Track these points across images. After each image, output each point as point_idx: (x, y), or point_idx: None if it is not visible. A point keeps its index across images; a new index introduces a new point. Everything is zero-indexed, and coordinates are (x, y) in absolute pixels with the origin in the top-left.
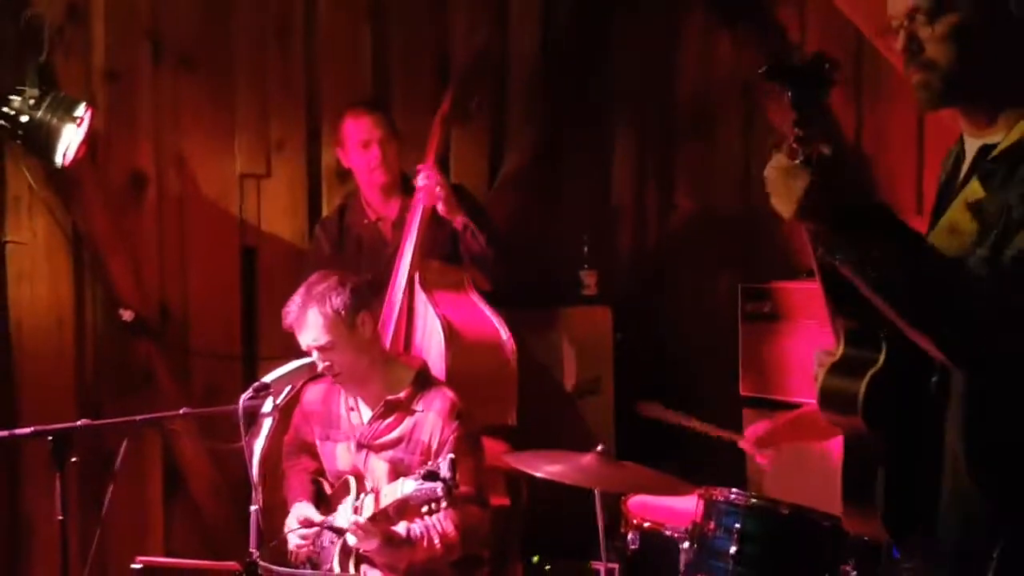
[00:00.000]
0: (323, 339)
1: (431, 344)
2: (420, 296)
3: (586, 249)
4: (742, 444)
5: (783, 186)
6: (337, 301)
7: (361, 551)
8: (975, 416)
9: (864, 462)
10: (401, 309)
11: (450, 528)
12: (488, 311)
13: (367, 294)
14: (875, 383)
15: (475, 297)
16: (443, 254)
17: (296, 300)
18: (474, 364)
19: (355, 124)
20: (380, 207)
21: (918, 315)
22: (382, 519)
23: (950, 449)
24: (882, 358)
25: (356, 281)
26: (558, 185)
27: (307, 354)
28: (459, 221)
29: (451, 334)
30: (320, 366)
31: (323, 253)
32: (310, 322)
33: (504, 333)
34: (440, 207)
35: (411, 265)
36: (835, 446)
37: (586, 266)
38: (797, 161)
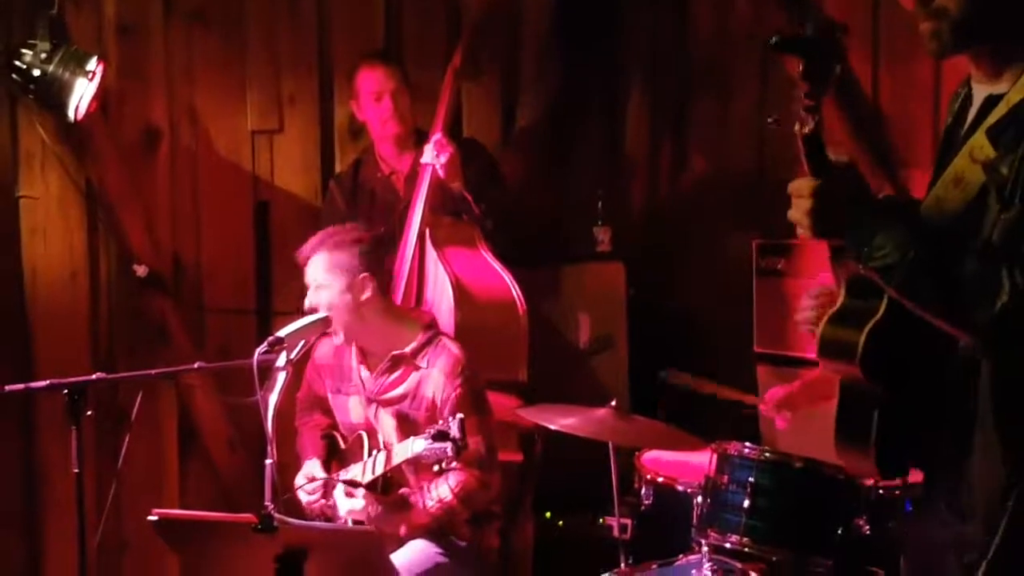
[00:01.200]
0: (318, 281)
1: (441, 300)
2: (430, 252)
3: (600, 204)
4: (762, 407)
5: (796, 207)
6: (341, 255)
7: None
8: (1008, 381)
9: (859, 402)
10: (412, 265)
11: (446, 492)
12: (499, 267)
13: (378, 255)
14: (875, 334)
15: (486, 253)
16: (454, 210)
17: (312, 242)
18: (484, 320)
19: (368, 76)
20: (393, 160)
21: (950, 318)
22: (395, 478)
23: (983, 403)
24: (883, 308)
25: (369, 242)
26: (572, 140)
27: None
28: (456, 188)
29: (460, 290)
30: (308, 303)
31: (337, 208)
32: (315, 261)
33: (515, 290)
34: (440, 171)
35: (421, 221)
36: None
37: (600, 222)
38: (802, 145)
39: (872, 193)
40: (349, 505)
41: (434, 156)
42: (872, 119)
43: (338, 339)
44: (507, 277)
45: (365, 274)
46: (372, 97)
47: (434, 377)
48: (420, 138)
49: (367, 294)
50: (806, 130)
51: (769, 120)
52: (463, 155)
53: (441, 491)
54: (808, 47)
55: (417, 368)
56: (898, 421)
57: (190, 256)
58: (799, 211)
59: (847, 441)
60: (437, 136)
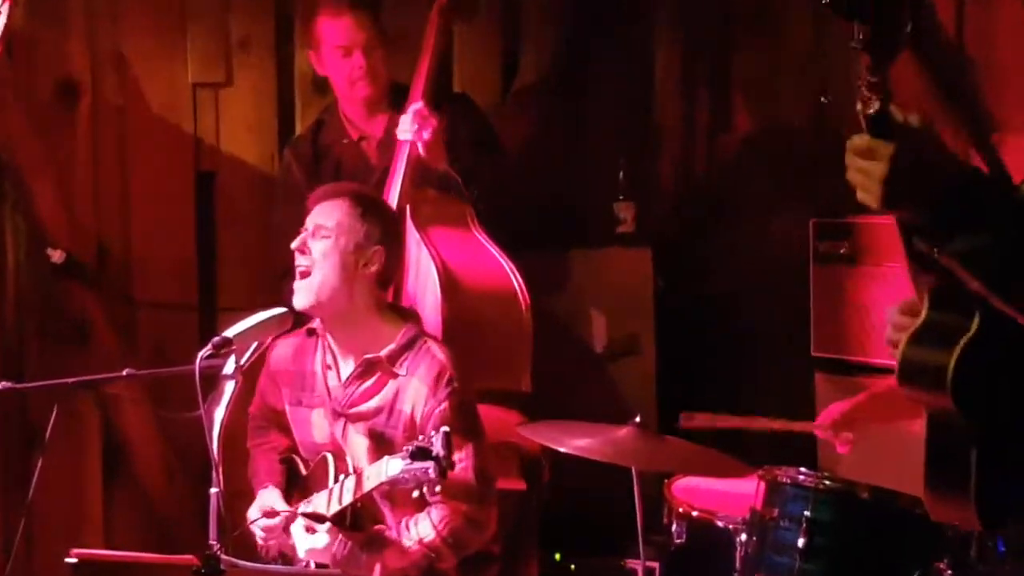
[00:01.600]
0: (328, 222)
1: (425, 292)
2: (412, 233)
3: (621, 176)
4: (817, 431)
5: (861, 172)
6: (367, 213)
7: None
8: None
9: (952, 443)
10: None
11: (427, 531)
12: (496, 251)
13: (399, 242)
14: (968, 355)
15: (480, 235)
16: (441, 183)
17: (343, 184)
18: (478, 317)
19: (333, 25)
20: (363, 124)
21: None
22: (368, 506)
23: None
24: (975, 324)
25: (397, 221)
26: (587, 97)
27: (277, 303)
28: (440, 168)
29: (449, 280)
30: (297, 243)
31: (294, 181)
32: (332, 205)
33: (516, 279)
34: (421, 150)
35: (400, 195)
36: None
37: (621, 197)
38: (866, 128)
39: (957, 161)
40: (309, 543)
41: (414, 131)
42: (958, 72)
43: (304, 301)
44: (506, 263)
45: (379, 247)
46: (338, 52)
47: (414, 388)
48: (398, 95)
49: (371, 268)
50: (870, 111)
51: (822, 99)
52: (450, 116)
53: (422, 528)
54: (873, 7)
55: (394, 376)
56: (1004, 463)
57: (117, 238)
58: (868, 177)
59: (940, 488)
60: (417, 106)
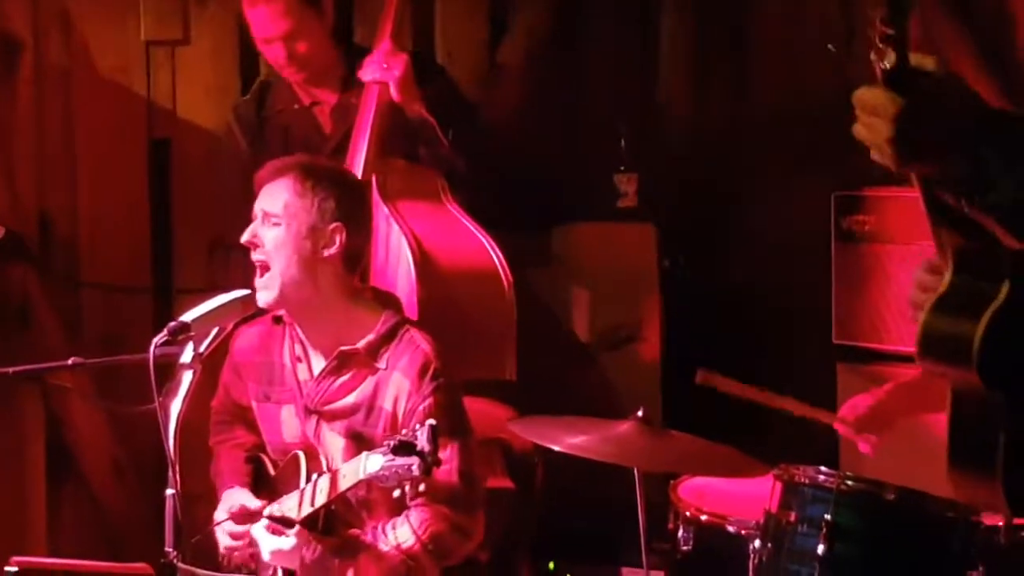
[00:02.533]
0: (275, 207)
1: (396, 273)
2: (380, 208)
3: (623, 144)
4: (838, 426)
5: (869, 128)
6: (317, 190)
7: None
8: None
9: (978, 419)
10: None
11: (406, 535)
12: (473, 227)
13: (358, 211)
14: (997, 325)
15: (454, 208)
16: (410, 151)
17: (286, 159)
18: (456, 299)
19: (250, 15)
20: (315, 88)
21: None
22: (343, 510)
23: None
24: (1005, 291)
25: (358, 185)
26: (585, 58)
27: (240, 284)
28: (416, 111)
29: (423, 259)
30: (247, 236)
31: (237, 150)
32: (277, 186)
33: (496, 256)
34: (394, 90)
35: (365, 165)
36: None
37: (623, 168)
38: (882, 82)
39: (983, 105)
40: (275, 544)
41: (383, 70)
42: (997, 29)
43: (267, 298)
44: (484, 239)
45: (338, 224)
46: (259, 42)
47: (395, 382)
48: (355, 59)
49: (332, 250)
50: (886, 64)
51: (829, 47)
52: (419, 77)
53: (401, 534)
54: None
55: (374, 370)
56: None
57: (62, 213)
58: (876, 135)
59: (964, 466)
60: (383, 46)
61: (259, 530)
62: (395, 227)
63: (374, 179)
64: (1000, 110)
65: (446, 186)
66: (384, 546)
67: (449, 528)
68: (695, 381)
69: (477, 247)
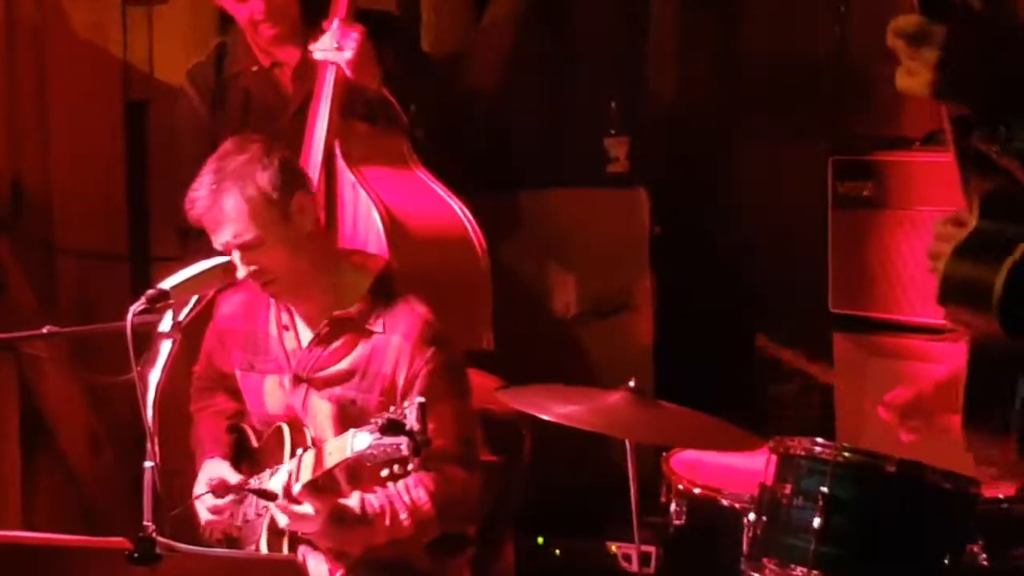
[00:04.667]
0: (248, 234)
1: (366, 241)
2: (344, 174)
3: (613, 106)
4: (881, 411)
5: (909, 56)
6: (264, 178)
7: (298, 533)
8: None
9: (997, 368)
10: (317, 193)
11: (422, 497)
12: (442, 191)
13: (296, 164)
14: (1019, 270)
15: (422, 172)
16: (370, 113)
17: (205, 182)
18: (429, 267)
19: None
20: (275, 49)
21: None
22: (326, 486)
23: None
24: None
25: (285, 149)
26: (572, 18)
27: (223, 252)
28: (374, 88)
29: (392, 225)
30: (243, 271)
31: (196, 116)
32: (228, 211)
33: (468, 221)
34: (347, 69)
35: (328, 130)
36: None
37: (613, 131)
38: (919, 8)
39: (1020, 46)
40: (294, 513)
41: (334, 49)
42: None
43: (255, 279)
44: (455, 203)
45: (298, 194)
46: None
47: (395, 346)
48: (316, 16)
49: (310, 219)
50: None
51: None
52: (374, 35)
53: (416, 495)
54: None
55: (368, 335)
56: None
57: (35, 178)
58: (920, 61)
59: (979, 422)
60: (336, 23)
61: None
62: (362, 193)
63: (337, 145)
64: None
65: (412, 150)
66: (402, 510)
67: (460, 490)
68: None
69: (448, 212)
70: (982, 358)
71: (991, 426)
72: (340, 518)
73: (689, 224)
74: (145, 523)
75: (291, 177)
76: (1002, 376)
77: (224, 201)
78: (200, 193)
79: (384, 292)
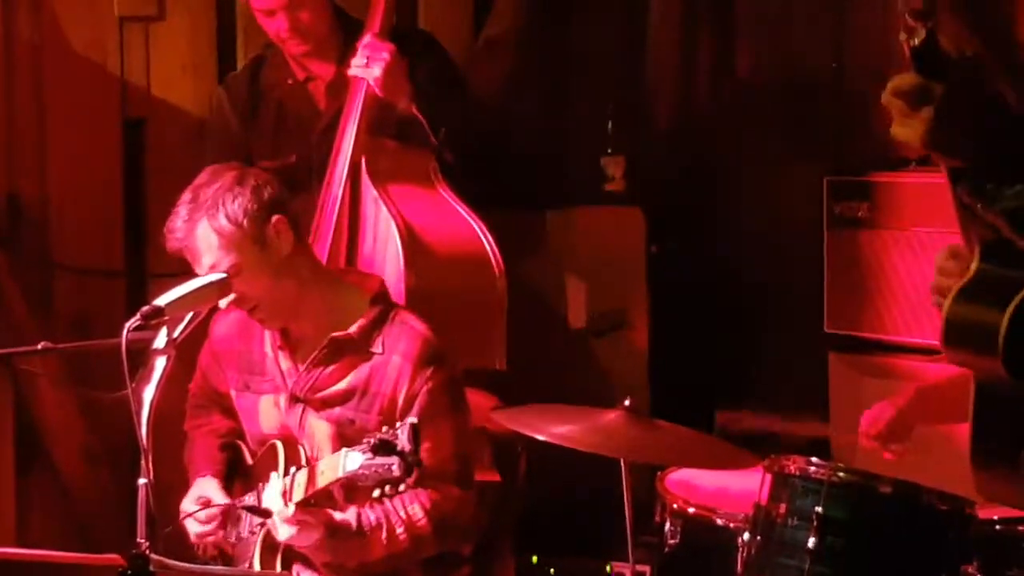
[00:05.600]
0: (224, 263)
1: (384, 258)
2: (369, 190)
3: (610, 125)
4: (862, 441)
5: (904, 113)
6: (234, 207)
7: (295, 546)
8: None
9: (1003, 413)
10: (342, 209)
11: (419, 514)
12: (465, 212)
13: (280, 190)
14: (1023, 314)
15: (446, 192)
16: (401, 132)
17: (181, 212)
18: (446, 286)
19: None
20: (311, 63)
21: None
22: (323, 501)
23: None
24: None
25: (261, 174)
26: (571, 37)
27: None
28: (403, 107)
29: (413, 242)
30: (225, 304)
31: (228, 126)
32: (202, 241)
33: (488, 243)
34: (376, 87)
35: (355, 146)
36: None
37: (610, 150)
38: (912, 65)
39: (1005, 105)
40: (288, 530)
41: (363, 67)
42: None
43: (239, 304)
44: (476, 224)
45: (276, 217)
46: (260, 14)
47: (395, 366)
48: (352, 33)
49: (288, 245)
50: (915, 42)
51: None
52: (408, 54)
53: (413, 511)
54: None
55: (368, 356)
56: None
57: (32, 194)
58: (911, 125)
59: (987, 460)
60: (368, 39)
61: (276, 516)
62: (384, 210)
63: (363, 161)
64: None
65: (437, 169)
66: (398, 525)
67: (457, 507)
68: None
69: (468, 233)
70: (988, 400)
71: (1000, 467)
72: (335, 532)
73: (685, 243)
74: (139, 540)
75: (265, 203)
76: (1009, 418)
77: (197, 231)
78: (176, 224)
79: (382, 311)
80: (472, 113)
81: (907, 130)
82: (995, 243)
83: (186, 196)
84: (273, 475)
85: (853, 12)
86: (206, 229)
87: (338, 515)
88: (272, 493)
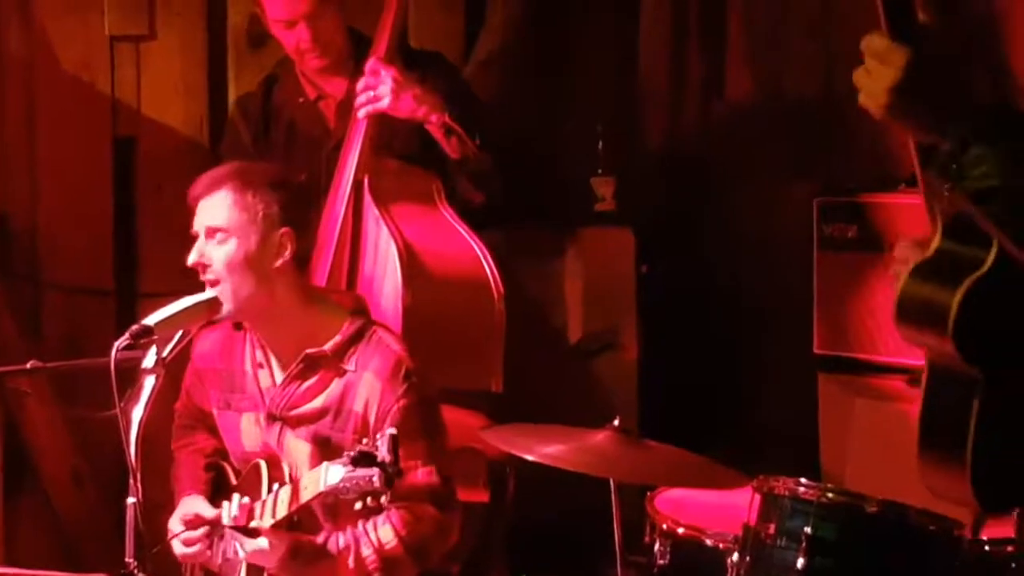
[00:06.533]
0: (217, 221)
1: (384, 276)
2: (370, 210)
3: (600, 146)
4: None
5: (869, 74)
6: (255, 197)
7: (265, 568)
8: None
9: (952, 393)
10: (344, 227)
11: (388, 536)
12: (467, 234)
13: (303, 211)
14: (976, 294)
15: (448, 214)
16: (405, 151)
17: (218, 170)
18: (444, 307)
19: None
20: (323, 82)
21: None
22: (304, 523)
23: None
24: (991, 259)
25: (294, 188)
26: (562, 56)
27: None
28: (435, 121)
29: (412, 264)
30: (194, 256)
31: (241, 144)
32: (216, 200)
33: (488, 265)
34: (392, 108)
35: (358, 165)
36: None
37: (600, 171)
38: (887, 30)
39: (973, 86)
40: (252, 546)
41: (372, 99)
42: (980, 23)
43: (226, 310)
44: (477, 247)
45: (285, 229)
46: (280, 25)
47: (367, 383)
48: (362, 50)
49: (284, 258)
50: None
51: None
52: (425, 77)
53: (383, 533)
54: None
55: (341, 373)
56: (1009, 424)
57: (21, 212)
58: (876, 81)
59: (933, 448)
60: (371, 63)
61: (235, 532)
62: (384, 230)
63: (366, 180)
64: (997, 104)
65: (441, 189)
66: (365, 548)
67: (434, 528)
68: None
69: (469, 255)
70: (937, 385)
71: (946, 458)
72: (297, 552)
73: (675, 264)
74: (127, 559)
75: (281, 212)
76: (956, 405)
77: (219, 191)
78: (208, 176)
79: (358, 328)
80: (494, 129)
81: (869, 90)
82: (959, 219)
83: (232, 164)
84: (234, 497)
85: (842, 33)
86: (226, 196)
87: (304, 536)
88: (229, 514)
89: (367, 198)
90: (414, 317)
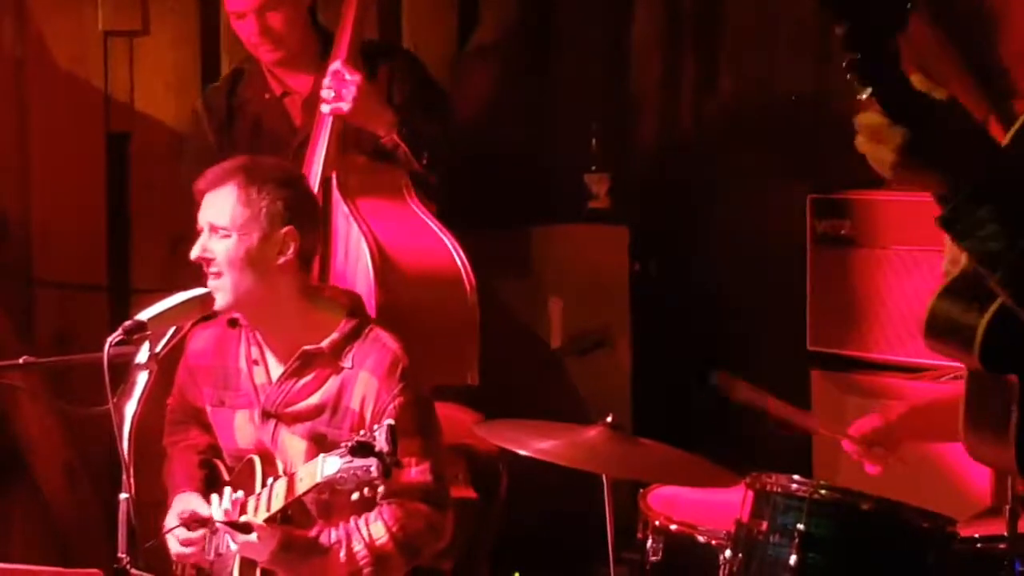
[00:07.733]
0: (222, 217)
1: (355, 273)
2: (339, 206)
3: (594, 143)
4: (845, 444)
5: (873, 149)
6: (262, 194)
7: (259, 561)
8: None
9: (992, 393)
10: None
11: (380, 532)
12: (437, 227)
13: (309, 211)
14: (1002, 318)
15: (418, 208)
16: (372, 147)
17: (225, 165)
18: (417, 302)
19: None
20: (288, 78)
21: None
22: (296, 518)
23: None
24: None
25: (304, 184)
26: (554, 55)
27: (198, 281)
28: (383, 137)
29: (383, 259)
30: (197, 251)
31: (204, 140)
32: (221, 195)
33: (459, 258)
34: (350, 116)
35: (325, 162)
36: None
37: (593, 168)
38: (881, 107)
39: (985, 137)
40: (242, 538)
41: (330, 100)
42: (976, 30)
43: (220, 302)
44: (448, 240)
45: (290, 227)
46: (233, 17)
47: (363, 381)
48: (329, 46)
49: (286, 256)
50: (862, 96)
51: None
52: (388, 74)
53: (374, 530)
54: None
55: (338, 370)
56: None
57: (15, 208)
58: (878, 159)
59: (980, 424)
60: (335, 66)
61: (226, 526)
62: (355, 227)
63: (334, 176)
64: (1008, 156)
65: (410, 184)
66: (356, 543)
67: (425, 526)
68: (712, 383)
69: (439, 249)
70: (977, 385)
71: (992, 429)
72: (289, 546)
73: (668, 261)
74: (119, 555)
75: (289, 209)
76: (996, 399)
77: (226, 185)
78: (218, 169)
79: (356, 327)
80: (456, 134)
81: (875, 154)
82: None
83: (243, 158)
84: (226, 491)
85: (832, 33)
86: (232, 191)
87: (295, 531)
88: (218, 509)
89: (336, 195)
90: (387, 313)
